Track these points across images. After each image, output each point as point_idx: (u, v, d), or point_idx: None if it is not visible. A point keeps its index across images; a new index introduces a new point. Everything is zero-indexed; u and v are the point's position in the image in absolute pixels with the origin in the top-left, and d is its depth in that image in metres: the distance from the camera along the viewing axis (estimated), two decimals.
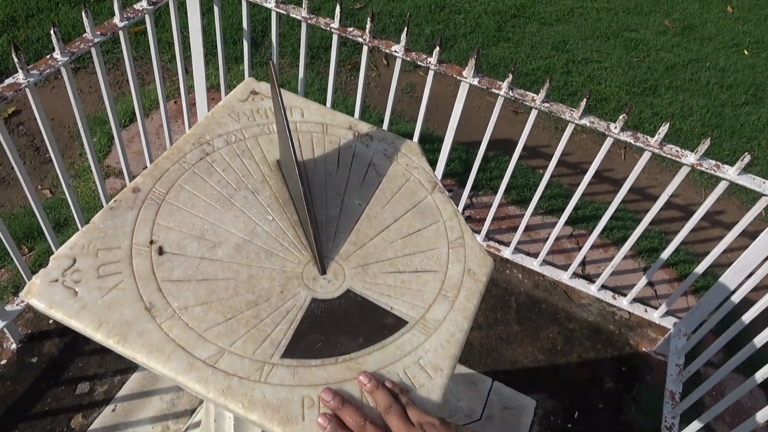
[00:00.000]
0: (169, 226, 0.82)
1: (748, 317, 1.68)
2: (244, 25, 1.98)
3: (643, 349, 2.18)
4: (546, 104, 1.69)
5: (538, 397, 2.00)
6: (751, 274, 1.75)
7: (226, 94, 1.90)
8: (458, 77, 1.71)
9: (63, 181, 1.76)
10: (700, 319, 2.00)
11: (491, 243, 2.27)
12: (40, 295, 0.73)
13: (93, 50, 1.64)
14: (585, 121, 1.69)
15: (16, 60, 1.44)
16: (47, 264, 0.76)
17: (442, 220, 0.89)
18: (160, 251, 0.79)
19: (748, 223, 1.70)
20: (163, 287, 0.76)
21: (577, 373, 2.10)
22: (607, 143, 1.71)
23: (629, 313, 2.25)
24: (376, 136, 1.00)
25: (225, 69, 2.14)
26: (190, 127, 2.29)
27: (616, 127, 1.68)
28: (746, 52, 3.65)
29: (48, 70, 1.53)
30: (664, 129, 1.62)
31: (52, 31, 1.51)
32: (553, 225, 2.13)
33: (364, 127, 1.01)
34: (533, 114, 1.74)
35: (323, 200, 0.89)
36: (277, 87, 0.82)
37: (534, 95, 1.70)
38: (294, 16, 1.79)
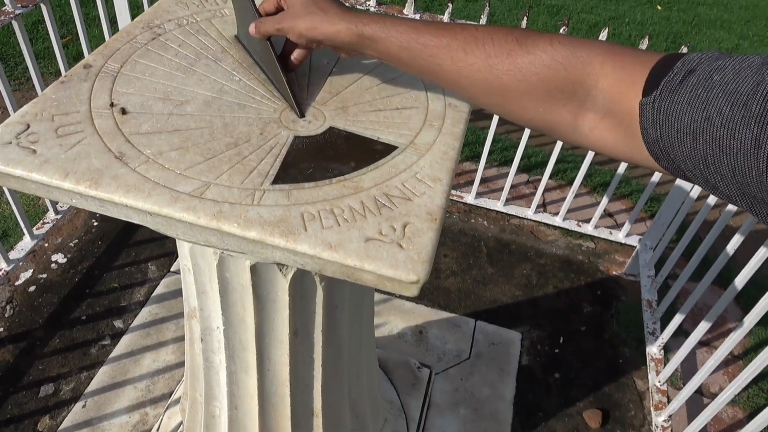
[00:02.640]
0: (129, 92, 0.77)
1: (700, 219, 1.73)
2: None
3: (614, 272, 2.21)
4: None
5: (522, 330, 2.00)
6: None
7: None
8: (399, 15, 1.72)
9: (10, 197, 1.65)
10: (663, 229, 2.05)
11: (453, 192, 2.28)
12: None
13: (14, 23, 1.56)
14: None
15: None
16: None
17: None
18: (123, 111, 0.73)
19: None
20: (131, 139, 0.70)
21: (556, 303, 2.10)
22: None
23: (595, 243, 2.28)
24: None
25: None
26: None
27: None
28: (659, 7, 3.85)
29: None
30: (604, 34, 1.67)
31: None
32: (509, 174, 2.17)
33: None
34: None
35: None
36: None
37: None
38: None
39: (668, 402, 1.72)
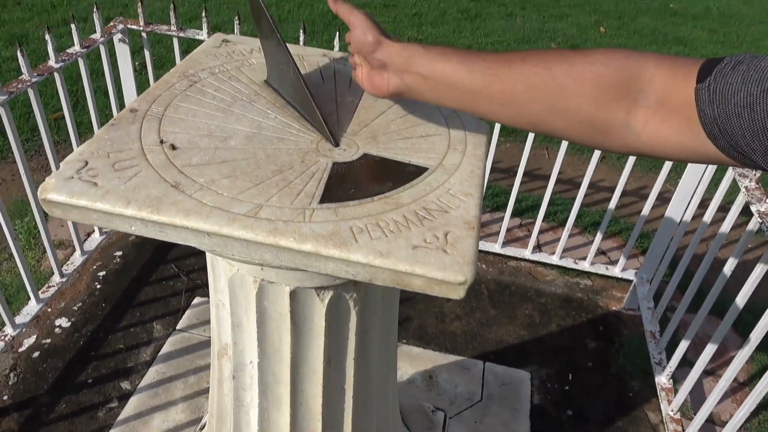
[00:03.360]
0: (175, 131, 0.82)
1: (693, 245, 1.81)
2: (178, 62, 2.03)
3: (613, 307, 2.26)
4: None
5: (530, 369, 2.01)
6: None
7: None
8: None
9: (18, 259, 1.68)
10: (657, 261, 2.12)
11: None
12: (58, 189, 0.70)
13: (30, 90, 1.62)
14: None
15: None
16: None
17: None
18: (173, 147, 0.79)
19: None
20: (184, 170, 0.75)
21: (560, 340, 2.13)
22: (529, 143, 1.89)
23: (592, 280, 2.34)
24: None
25: None
26: None
27: None
28: (603, 29, 4.09)
29: None
30: None
31: None
32: (503, 219, 2.26)
33: (338, 54, 1.07)
34: None
35: (320, 102, 0.92)
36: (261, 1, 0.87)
37: None
38: None
39: (683, 431, 1.73)
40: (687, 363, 1.91)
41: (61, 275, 1.97)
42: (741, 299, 1.50)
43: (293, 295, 0.86)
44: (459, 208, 0.74)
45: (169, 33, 1.94)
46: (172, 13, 1.89)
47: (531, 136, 2.00)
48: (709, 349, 1.61)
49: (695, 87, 0.54)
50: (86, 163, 0.74)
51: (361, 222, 0.70)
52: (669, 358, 1.88)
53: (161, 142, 0.80)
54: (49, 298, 1.95)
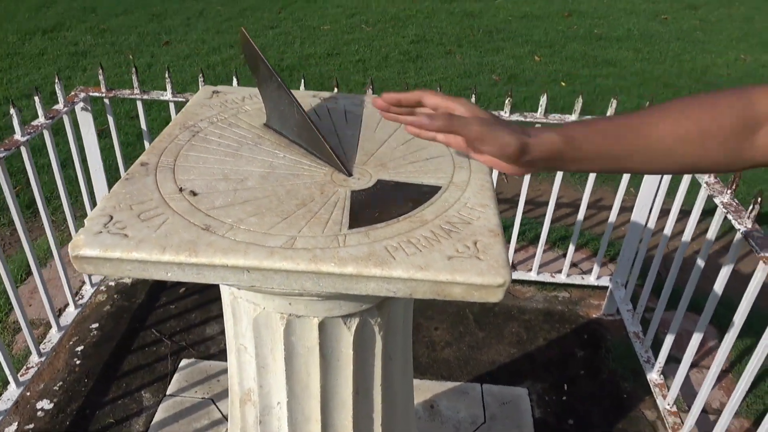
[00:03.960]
0: (191, 179, 0.84)
1: (662, 245, 1.92)
2: (143, 125, 2.03)
3: (594, 315, 2.34)
4: None
5: (526, 385, 2.05)
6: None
7: None
8: None
9: None
10: (629, 264, 2.22)
11: None
12: (89, 245, 0.70)
13: None
14: None
15: None
16: None
17: None
18: (193, 193, 0.80)
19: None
20: (210, 213, 0.76)
21: (549, 353, 2.18)
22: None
23: (569, 292, 2.42)
24: (340, 97, 1.10)
25: None
26: None
27: (505, 112, 1.94)
28: (563, 84, 4.33)
29: None
30: (543, 100, 1.90)
31: None
32: None
33: (326, 94, 1.12)
34: None
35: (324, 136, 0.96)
36: (253, 44, 0.91)
37: None
38: None
39: (682, 423, 1.79)
40: (672, 359, 1.98)
41: (39, 354, 1.89)
42: (718, 289, 1.59)
43: (321, 326, 0.87)
44: (480, 219, 0.78)
45: (133, 97, 1.95)
46: (134, 77, 1.91)
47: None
48: (694, 343, 1.69)
49: None
50: (111, 218, 0.75)
51: (393, 241, 0.73)
52: (656, 356, 1.95)
53: (180, 189, 0.81)
54: (30, 381, 1.86)
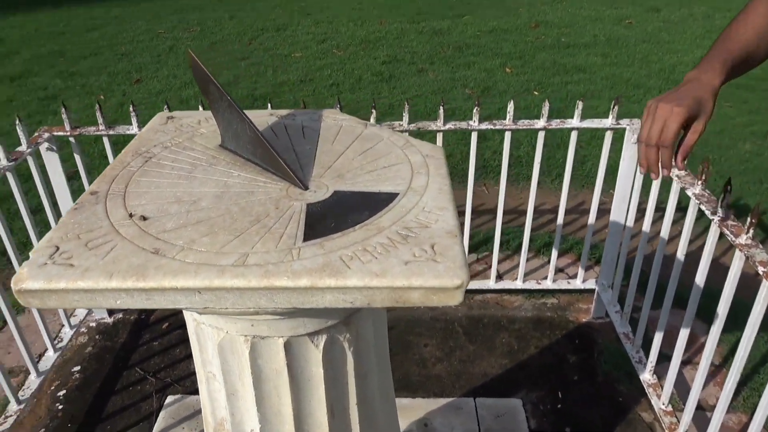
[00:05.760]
0: (142, 204, 0.82)
1: (642, 244, 1.91)
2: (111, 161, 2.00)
3: (583, 319, 2.32)
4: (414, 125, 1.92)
5: (520, 395, 2.01)
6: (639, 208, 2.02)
7: None
8: None
9: None
10: (613, 265, 2.21)
11: None
12: (33, 277, 0.68)
13: None
14: (449, 126, 1.93)
15: None
16: None
17: (384, 138, 0.98)
18: (143, 218, 0.78)
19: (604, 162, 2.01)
20: (161, 237, 0.74)
21: (542, 361, 2.15)
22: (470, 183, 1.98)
23: (557, 298, 2.40)
24: (298, 113, 1.09)
25: None
26: None
27: (474, 122, 1.94)
28: (536, 93, 4.36)
29: None
30: (511, 106, 1.91)
31: None
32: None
33: (284, 112, 1.11)
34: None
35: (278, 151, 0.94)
36: (204, 67, 0.90)
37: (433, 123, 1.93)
38: None
39: (678, 422, 1.76)
40: (664, 357, 1.96)
41: (18, 402, 1.83)
42: (699, 282, 1.58)
43: (288, 346, 0.84)
44: (438, 222, 0.76)
45: (98, 133, 1.93)
46: (98, 114, 1.89)
47: (471, 178, 2.09)
48: (682, 339, 1.67)
49: None
50: (57, 248, 0.72)
51: (349, 250, 0.71)
52: (647, 355, 1.93)
53: (130, 215, 0.79)
54: (8, 430, 1.79)
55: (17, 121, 1.79)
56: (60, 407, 2.00)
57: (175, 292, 0.67)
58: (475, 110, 1.93)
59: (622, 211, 2.12)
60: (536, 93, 4.35)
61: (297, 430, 0.93)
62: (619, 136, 2.06)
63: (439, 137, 1.98)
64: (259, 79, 4.57)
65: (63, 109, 1.83)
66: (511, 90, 4.39)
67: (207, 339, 0.88)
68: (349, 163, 0.92)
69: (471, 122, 1.95)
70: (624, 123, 1.96)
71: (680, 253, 1.66)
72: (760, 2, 0.93)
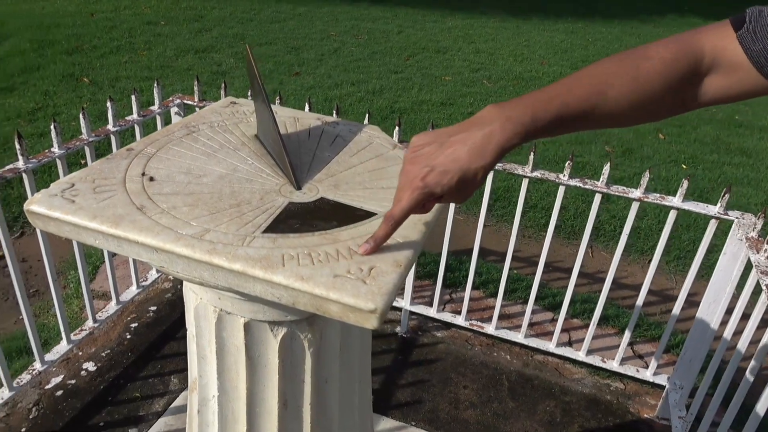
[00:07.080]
0: (159, 168, 0.92)
1: (721, 350, 1.70)
2: None
3: (645, 415, 2.11)
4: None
5: None
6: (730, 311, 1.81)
7: None
8: None
9: (56, 300, 1.84)
10: (689, 365, 1.99)
11: (474, 321, 2.30)
12: (40, 203, 0.80)
13: (86, 148, 1.83)
14: (536, 173, 1.88)
15: (18, 147, 1.60)
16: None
17: None
18: (151, 179, 0.88)
19: (705, 250, 1.82)
20: (153, 197, 0.84)
21: None
22: (548, 240, 1.88)
23: (624, 384, 2.21)
24: (342, 122, 1.15)
25: None
26: None
27: (564, 176, 1.86)
28: (684, 167, 4.03)
29: (45, 159, 1.69)
30: (606, 169, 1.81)
31: (52, 126, 1.70)
32: (534, 312, 2.22)
33: (331, 118, 1.17)
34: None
35: (297, 154, 1.01)
36: (253, 62, 0.99)
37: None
38: None
39: None
40: None
41: (94, 321, 2.10)
42: (761, 409, 1.38)
43: (247, 327, 0.90)
44: (392, 249, 0.77)
45: None
46: (222, 92, 2.11)
47: (550, 232, 2.00)
48: None
49: (737, 34, 0.66)
50: (72, 185, 0.85)
51: (294, 251, 0.75)
52: None
53: (143, 174, 0.89)
54: (80, 341, 2.06)
55: (155, 84, 2.06)
56: (128, 336, 2.25)
57: (138, 245, 0.76)
58: (567, 164, 1.86)
59: (712, 312, 1.90)
60: (684, 167, 4.02)
61: (249, 409, 0.99)
62: (726, 226, 1.86)
63: (524, 183, 1.93)
64: (403, 93, 4.73)
65: (196, 82, 2.06)
66: (656, 158, 4.10)
67: (190, 301, 0.97)
68: (352, 177, 0.95)
69: (561, 175, 1.88)
70: (733, 215, 1.77)
71: (749, 373, 1.46)
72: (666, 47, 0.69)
